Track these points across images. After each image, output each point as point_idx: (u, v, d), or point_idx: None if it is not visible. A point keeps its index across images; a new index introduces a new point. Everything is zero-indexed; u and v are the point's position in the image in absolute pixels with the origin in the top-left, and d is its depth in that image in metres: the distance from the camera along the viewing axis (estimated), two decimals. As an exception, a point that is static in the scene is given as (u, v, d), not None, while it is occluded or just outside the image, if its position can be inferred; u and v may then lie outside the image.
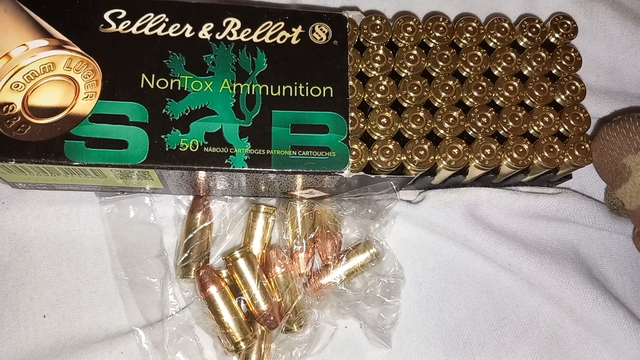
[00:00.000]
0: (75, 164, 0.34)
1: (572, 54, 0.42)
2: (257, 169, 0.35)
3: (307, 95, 0.37)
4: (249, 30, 0.38)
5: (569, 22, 0.43)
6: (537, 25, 0.42)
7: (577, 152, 0.41)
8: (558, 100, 0.42)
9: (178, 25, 0.37)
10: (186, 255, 0.40)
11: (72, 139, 0.34)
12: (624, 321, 0.42)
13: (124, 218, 0.41)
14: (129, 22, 0.37)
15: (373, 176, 0.38)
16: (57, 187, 0.39)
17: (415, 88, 0.40)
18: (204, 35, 0.37)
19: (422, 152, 0.39)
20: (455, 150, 0.39)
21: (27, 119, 0.34)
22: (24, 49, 0.35)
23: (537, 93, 0.41)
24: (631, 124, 0.40)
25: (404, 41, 0.41)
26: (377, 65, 0.40)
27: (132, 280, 0.40)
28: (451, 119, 0.40)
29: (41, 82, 0.35)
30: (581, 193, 0.46)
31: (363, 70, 0.40)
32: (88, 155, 0.34)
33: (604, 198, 0.46)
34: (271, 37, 0.38)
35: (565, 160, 0.41)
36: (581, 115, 0.41)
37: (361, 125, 0.39)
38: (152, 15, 0.37)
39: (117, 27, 0.37)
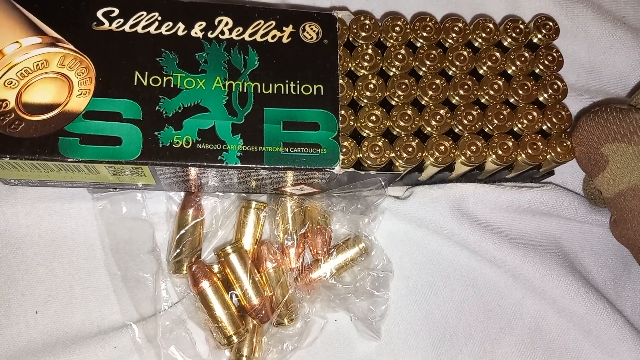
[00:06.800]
0: (69, 160, 0.34)
1: (554, 54, 0.43)
2: (250, 166, 0.36)
3: (298, 93, 0.38)
4: (241, 29, 0.39)
5: (551, 24, 0.44)
6: (521, 26, 0.44)
7: (559, 149, 0.42)
8: (541, 98, 0.43)
9: (170, 23, 0.38)
10: (178, 251, 0.41)
11: (66, 135, 0.34)
12: (604, 312, 0.43)
13: (116, 214, 0.41)
14: (121, 20, 0.37)
15: (363, 172, 0.39)
16: (50, 183, 0.40)
17: (403, 86, 0.40)
18: (196, 33, 0.38)
19: (410, 149, 0.39)
20: (442, 148, 0.40)
21: (21, 115, 0.34)
22: (17, 47, 0.35)
23: (520, 92, 0.42)
24: (608, 114, 0.41)
25: (392, 41, 0.41)
26: (366, 64, 0.40)
27: (125, 276, 0.41)
28: (438, 116, 0.40)
29: (35, 79, 0.35)
30: (563, 187, 0.47)
31: (352, 69, 0.41)
32: (82, 151, 0.34)
33: (582, 189, 0.48)
34: (262, 35, 0.39)
35: (548, 156, 0.42)
36: (563, 113, 0.42)
37: (351, 122, 0.39)
38: (144, 13, 0.37)
39: (110, 25, 0.37)
